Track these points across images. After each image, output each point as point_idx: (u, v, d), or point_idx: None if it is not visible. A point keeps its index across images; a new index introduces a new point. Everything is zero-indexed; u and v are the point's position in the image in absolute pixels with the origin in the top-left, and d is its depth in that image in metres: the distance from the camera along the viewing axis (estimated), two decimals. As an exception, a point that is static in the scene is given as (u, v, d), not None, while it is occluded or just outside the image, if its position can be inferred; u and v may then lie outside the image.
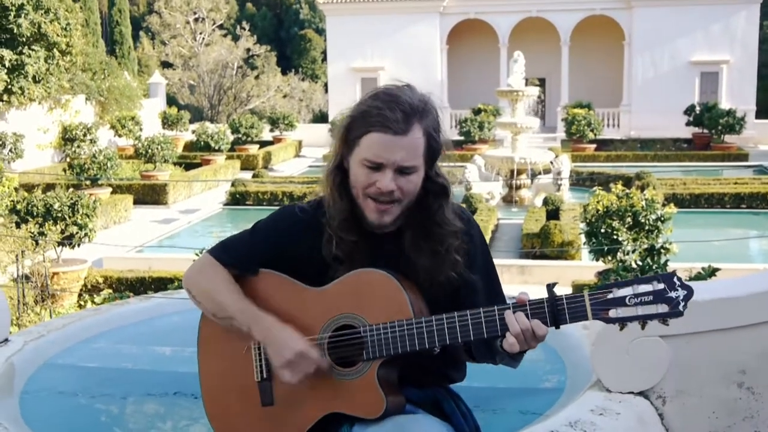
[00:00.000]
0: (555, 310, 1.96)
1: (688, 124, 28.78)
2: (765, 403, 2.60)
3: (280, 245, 2.22)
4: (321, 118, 39.64)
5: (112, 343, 3.74)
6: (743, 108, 29.05)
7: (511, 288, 2.83)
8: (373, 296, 2.09)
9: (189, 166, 23.67)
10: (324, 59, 43.54)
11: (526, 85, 19.51)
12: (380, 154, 2.04)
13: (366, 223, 2.15)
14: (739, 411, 2.61)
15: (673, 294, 1.88)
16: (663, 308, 1.88)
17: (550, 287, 1.97)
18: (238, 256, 2.23)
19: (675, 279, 1.89)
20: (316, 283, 2.16)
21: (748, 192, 16.74)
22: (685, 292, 1.88)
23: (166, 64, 41.62)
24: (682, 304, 1.88)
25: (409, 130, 2.04)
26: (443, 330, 2.02)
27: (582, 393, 2.67)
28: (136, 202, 17.92)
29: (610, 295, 1.91)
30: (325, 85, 40.12)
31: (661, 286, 1.88)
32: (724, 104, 29.76)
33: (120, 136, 26.62)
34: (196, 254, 7.65)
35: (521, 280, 11.42)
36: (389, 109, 2.03)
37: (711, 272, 7.10)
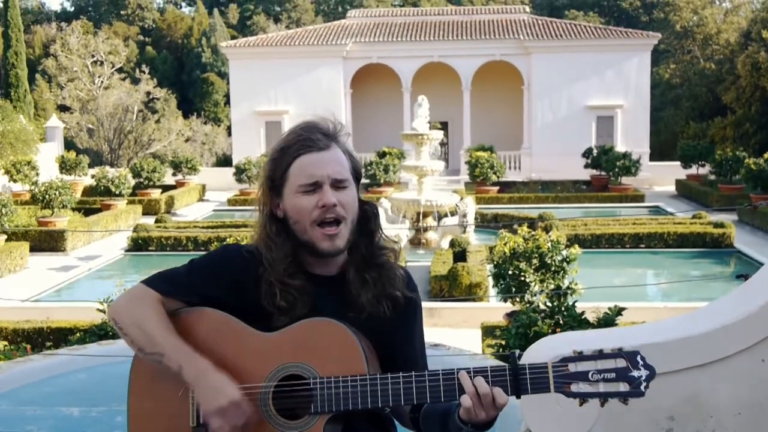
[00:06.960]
0: (517, 380, 1.90)
1: (586, 166, 29.56)
2: (693, 448, 2.60)
3: (219, 285, 2.11)
4: (225, 161, 39.27)
5: (14, 405, 3.50)
6: (638, 151, 30.07)
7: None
8: (327, 348, 2.00)
9: (89, 212, 22.99)
10: (227, 102, 43.29)
11: (430, 128, 19.71)
12: (313, 172, 2.07)
13: (312, 263, 2.12)
14: (669, 457, 2.61)
15: (635, 373, 1.85)
16: (624, 387, 1.85)
17: (513, 356, 1.92)
18: (175, 286, 2.10)
19: (639, 358, 1.87)
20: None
21: (646, 232, 17.23)
22: (648, 372, 1.86)
23: (63, 108, 40.57)
24: (644, 384, 1.85)
25: (331, 147, 2.11)
26: (399, 390, 1.94)
27: (513, 444, 2.62)
28: (32, 249, 17.23)
29: (573, 369, 1.87)
30: (228, 128, 39.81)
31: (624, 363, 1.86)
32: (620, 147, 30.74)
33: (15, 181, 25.67)
34: (100, 303, 7.40)
35: (431, 323, 11.37)
36: (308, 132, 2.11)
37: (617, 312, 7.23)
